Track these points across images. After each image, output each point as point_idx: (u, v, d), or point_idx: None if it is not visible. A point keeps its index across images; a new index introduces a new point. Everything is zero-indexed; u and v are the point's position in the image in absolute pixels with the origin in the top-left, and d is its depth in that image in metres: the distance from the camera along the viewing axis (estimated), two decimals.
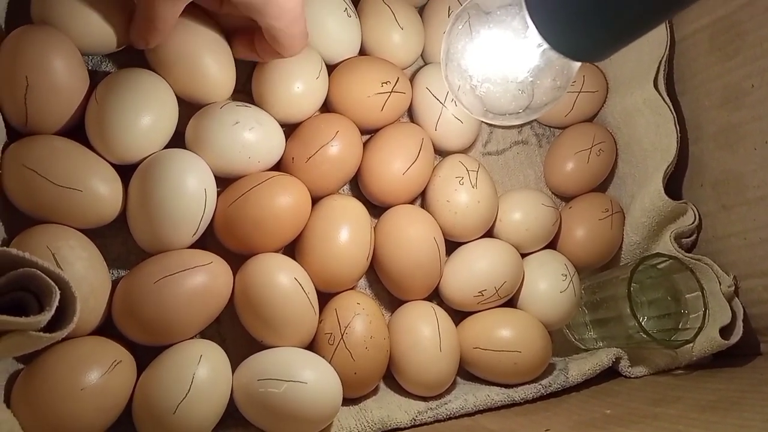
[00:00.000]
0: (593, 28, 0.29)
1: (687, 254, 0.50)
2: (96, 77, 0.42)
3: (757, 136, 0.47)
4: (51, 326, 0.30)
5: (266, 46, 0.42)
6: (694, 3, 0.28)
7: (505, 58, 0.34)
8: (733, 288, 0.49)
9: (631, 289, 0.47)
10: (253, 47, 0.43)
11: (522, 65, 0.34)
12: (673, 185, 0.53)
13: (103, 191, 0.40)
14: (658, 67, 0.50)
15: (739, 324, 0.48)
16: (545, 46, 0.31)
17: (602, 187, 0.56)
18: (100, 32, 0.41)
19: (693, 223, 0.51)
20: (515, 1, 0.33)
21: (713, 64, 0.50)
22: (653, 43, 0.51)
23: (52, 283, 0.29)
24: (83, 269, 0.38)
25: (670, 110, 0.50)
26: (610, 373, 0.50)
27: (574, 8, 0.29)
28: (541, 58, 0.32)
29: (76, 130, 0.41)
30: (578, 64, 0.35)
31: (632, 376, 0.49)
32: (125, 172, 0.42)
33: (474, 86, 0.36)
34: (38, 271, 0.29)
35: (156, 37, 0.40)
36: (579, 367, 0.48)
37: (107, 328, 0.40)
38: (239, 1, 0.37)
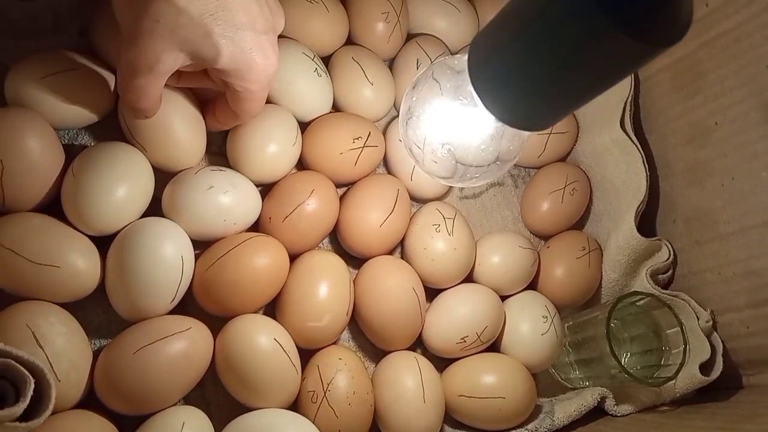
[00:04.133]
0: (533, 103, 0.30)
1: (663, 291, 0.51)
2: (72, 150, 0.43)
3: (724, 172, 0.48)
4: (28, 414, 0.30)
5: (228, 111, 0.43)
6: (628, 75, 0.29)
7: (460, 125, 0.35)
8: (710, 323, 0.49)
9: (612, 327, 0.47)
10: (214, 116, 0.45)
11: (476, 131, 0.34)
12: (647, 221, 0.53)
13: (80, 265, 0.40)
14: (624, 108, 0.51)
15: (719, 359, 0.48)
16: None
17: (579, 224, 0.56)
18: (74, 108, 0.42)
19: (668, 259, 0.52)
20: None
21: (677, 103, 0.51)
22: (618, 84, 0.52)
23: (26, 373, 0.30)
24: (63, 344, 0.39)
25: (638, 150, 0.51)
26: (597, 411, 0.50)
27: (514, 86, 0.30)
28: (493, 125, 0.33)
29: (52, 204, 0.42)
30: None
31: (618, 414, 0.49)
32: (103, 240, 0.42)
33: (434, 150, 0.37)
34: (12, 361, 0.30)
35: (149, 108, 0.39)
36: (565, 409, 0.48)
37: (90, 400, 0.41)
38: (226, 68, 0.37)
